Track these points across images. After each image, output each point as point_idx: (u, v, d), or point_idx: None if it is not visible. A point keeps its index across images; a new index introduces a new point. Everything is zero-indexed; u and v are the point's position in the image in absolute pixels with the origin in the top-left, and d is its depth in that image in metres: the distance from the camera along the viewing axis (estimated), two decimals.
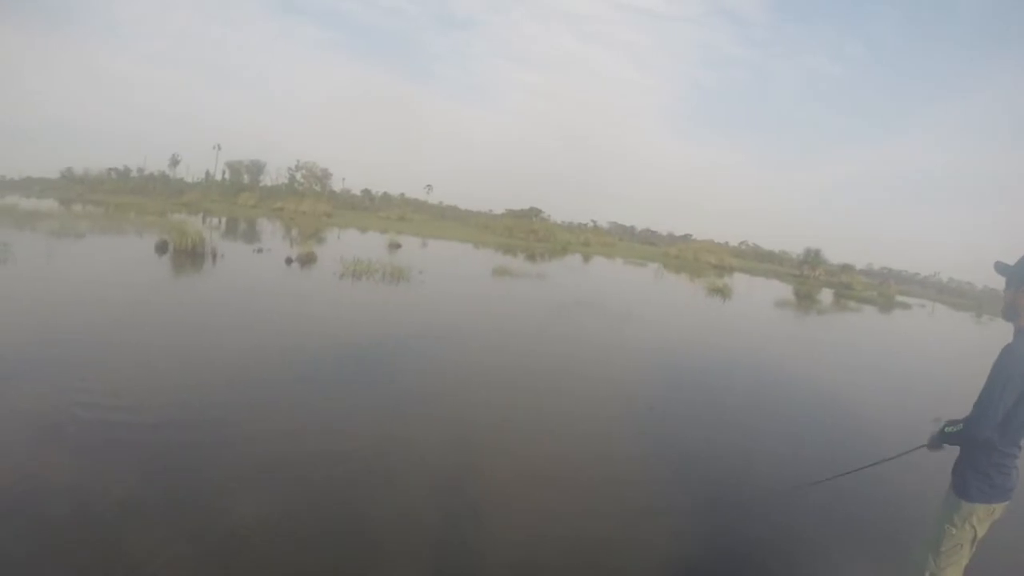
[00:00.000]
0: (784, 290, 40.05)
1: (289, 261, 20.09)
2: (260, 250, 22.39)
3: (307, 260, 20.64)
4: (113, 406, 6.09)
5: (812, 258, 61.29)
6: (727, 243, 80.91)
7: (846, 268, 63.12)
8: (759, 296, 33.09)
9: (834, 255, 73.84)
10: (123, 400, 6.29)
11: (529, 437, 6.70)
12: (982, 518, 3.03)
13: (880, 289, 58.26)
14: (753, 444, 7.36)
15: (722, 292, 27.95)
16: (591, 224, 78.81)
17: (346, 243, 28.62)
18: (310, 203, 41.45)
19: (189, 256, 19.24)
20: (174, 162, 56.88)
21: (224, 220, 34.54)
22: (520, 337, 12.71)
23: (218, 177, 56.87)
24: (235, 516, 4.31)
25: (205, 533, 4.06)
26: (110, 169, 53.33)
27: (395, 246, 29.26)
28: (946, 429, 3.09)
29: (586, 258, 43.88)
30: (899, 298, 54.94)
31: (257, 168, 58.53)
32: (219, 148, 57.91)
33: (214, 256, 19.49)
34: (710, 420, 8.28)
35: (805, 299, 34.63)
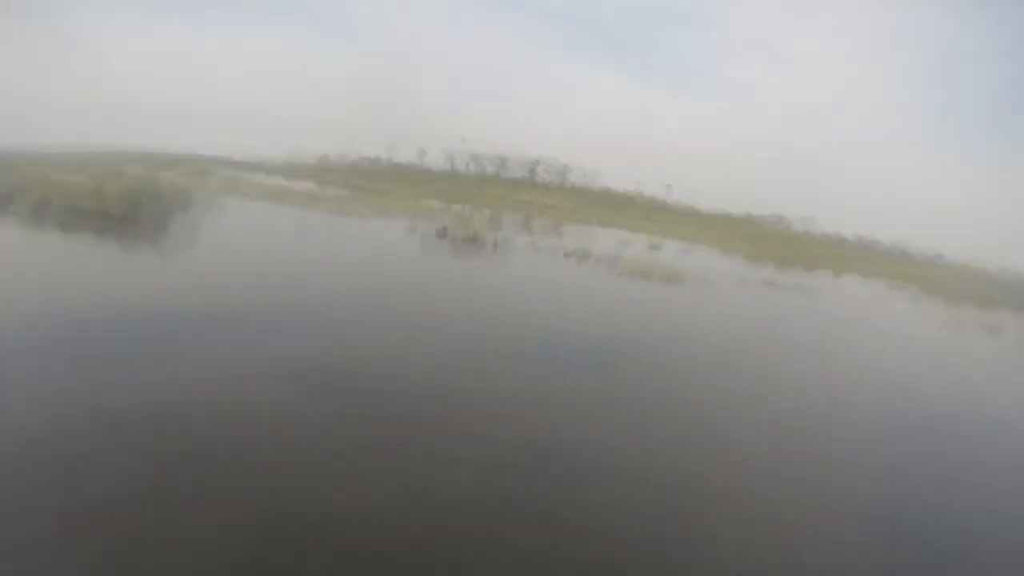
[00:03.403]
0: None
1: (567, 256, 18.38)
2: (535, 243, 21.08)
3: (582, 256, 18.75)
4: None
5: None
6: (985, 269, 64.14)
7: None
8: None
9: None
10: None
11: None
12: None
13: None
14: None
15: (994, 332, 20.62)
16: (834, 235, 68.44)
17: (603, 240, 26.56)
18: (557, 198, 40.75)
19: (471, 243, 18.41)
20: (421, 153, 60.93)
21: (471, 208, 34.91)
22: None
23: (462, 168, 59.62)
24: None
25: None
26: (362, 157, 58.82)
27: (655, 247, 26.45)
28: None
29: (837, 274, 36.95)
30: None
31: (500, 161, 60.43)
32: (465, 141, 60.81)
33: (495, 245, 18.50)
34: None
35: None
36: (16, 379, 5.36)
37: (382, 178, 51.58)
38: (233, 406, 5.18)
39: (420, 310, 9.73)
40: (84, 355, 6.08)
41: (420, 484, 4.24)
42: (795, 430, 6.62)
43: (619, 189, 63.54)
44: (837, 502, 4.99)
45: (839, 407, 7.86)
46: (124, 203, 18.06)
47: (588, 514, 4.18)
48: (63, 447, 4.32)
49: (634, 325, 10.66)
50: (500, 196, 43.77)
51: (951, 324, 21.22)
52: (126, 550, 3.34)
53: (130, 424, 4.74)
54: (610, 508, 4.30)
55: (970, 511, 5.22)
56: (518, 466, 4.69)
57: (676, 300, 14.15)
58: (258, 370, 6.04)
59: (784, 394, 7.98)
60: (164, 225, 16.48)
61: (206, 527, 3.56)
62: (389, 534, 3.66)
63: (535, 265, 16.44)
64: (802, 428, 6.74)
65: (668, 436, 5.76)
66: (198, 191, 24.04)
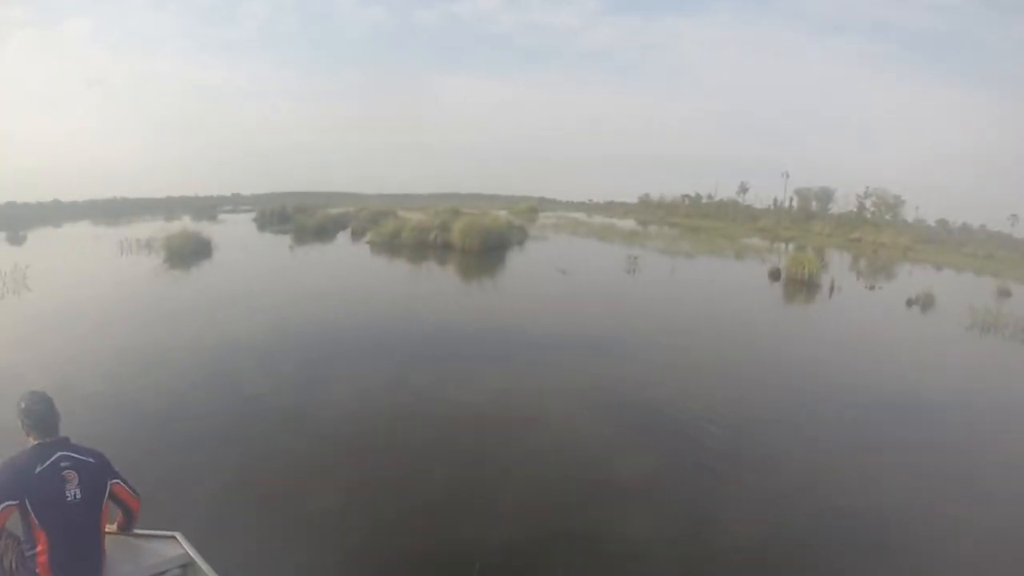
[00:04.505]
0: None
1: (910, 303, 18.82)
2: (872, 287, 21.68)
3: (926, 303, 18.88)
4: None
5: None
6: None
7: None
8: None
9: None
10: None
11: None
12: None
13: None
14: None
15: None
16: None
17: (945, 283, 24.84)
18: (889, 235, 38.41)
19: (805, 286, 19.93)
20: (743, 189, 62.22)
21: (796, 248, 35.24)
22: None
23: (786, 204, 59.26)
24: None
25: None
26: (684, 195, 62.64)
27: (1004, 293, 23.82)
28: None
29: None
30: None
31: (826, 195, 58.02)
32: (787, 176, 59.93)
33: (831, 289, 19.78)
34: None
35: None
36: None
37: (703, 215, 54.17)
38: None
39: (771, 355, 11.09)
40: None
41: None
42: None
43: (956, 221, 54.43)
44: None
45: None
46: (465, 237, 21.92)
47: None
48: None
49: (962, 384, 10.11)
50: (827, 233, 42.61)
51: None
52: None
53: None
54: None
55: None
56: None
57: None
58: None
59: None
60: (502, 257, 20.98)
61: None
62: None
63: (876, 312, 17.28)
64: None
65: None
66: (530, 228, 29.11)
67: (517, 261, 21.38)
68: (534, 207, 50.73)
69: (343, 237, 26.74)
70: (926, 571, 4.65)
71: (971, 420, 8.34)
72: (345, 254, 22.85)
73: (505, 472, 5.66)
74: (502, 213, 32.64)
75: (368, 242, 23.76)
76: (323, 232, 27.21)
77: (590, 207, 66.67)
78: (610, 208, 64.39)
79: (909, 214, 54.64)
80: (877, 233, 39.96)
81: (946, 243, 42.78)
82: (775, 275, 21.32)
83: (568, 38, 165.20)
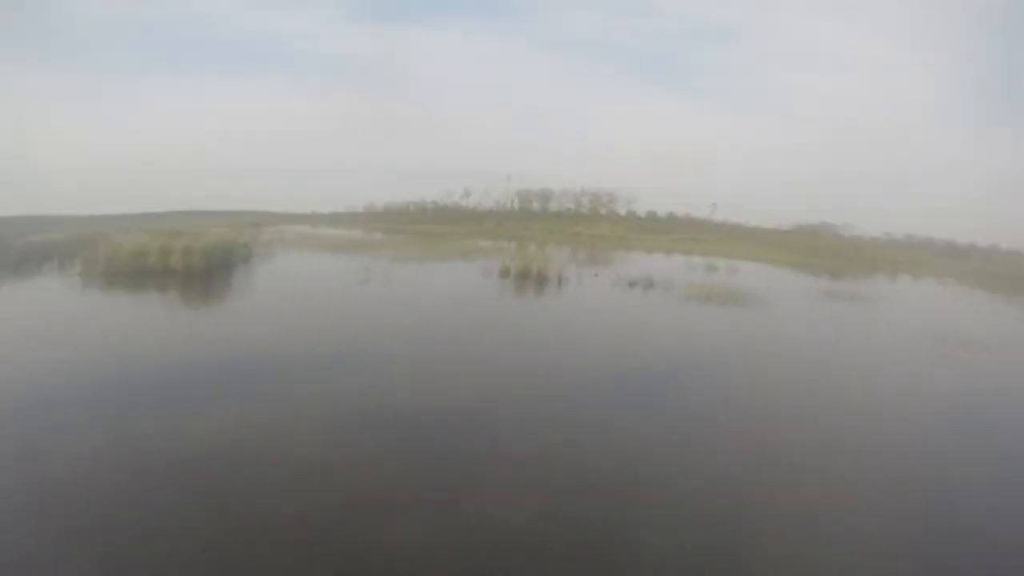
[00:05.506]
0: None
1: (632, 285, 18.77)
2: (596, 274, 21.57)
3: (647, 284, 19.09)
4: None
5: None
6: None
7: None
8: None
9: None
10: None
11: None
12: None
13: None
14: None
15: None
16: (885, 236, 66.52)
17: (659, 266, 26.86)
18: (605, 227, 41.38)
19: (534, 280, 18.98)
20: (466, 194, 62.88)
21: (521, 245, 35.65)
22: None
23: (509, 206, 61.32)
24: None
25: None
26: (409, 202, 60.97)
27: (711, 268, 26.57)
28: None
29: (893, 277, 35.92)
30: None
31: (545, 196, 61.96)
32: (510, 179, 62.45)
33: (559, 280, 19.06)
34: None
35: None
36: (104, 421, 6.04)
37: (429, 222, 53.10)
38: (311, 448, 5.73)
39: (506, 345, 10.28)
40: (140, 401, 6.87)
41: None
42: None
43: (663, 213, 63.99)
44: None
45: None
46: (187, 260, 19.16)
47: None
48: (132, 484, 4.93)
49: (723, 348, 10.97)
50: (549, 230, 44.57)
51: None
52: None
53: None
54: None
55: None
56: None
57: (750, 320, 14.41)
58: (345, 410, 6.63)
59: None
60: (227, 278, 17.58)
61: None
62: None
63: (604, 297, 16.91)
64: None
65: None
66: (254, 245, 25.34)
67: (245, 281, 17.87)
68: (258, 222, 44.64)
69: (51, 268, 19.91)
70: None
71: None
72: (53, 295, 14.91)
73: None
74: (225, 231, 27.16)
75: (79, 274, 18.48)
76: (23, 265, 20.00)
77: (316, 219, 62.76)
78: (336, 219, 61.51)
79: (622, 208, 61.87)
80: (594, 226, 43.17)
81: (656, 231, 48.55)
82: (505, 273, 20.32)
83: (302, 44, 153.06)
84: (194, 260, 18.99)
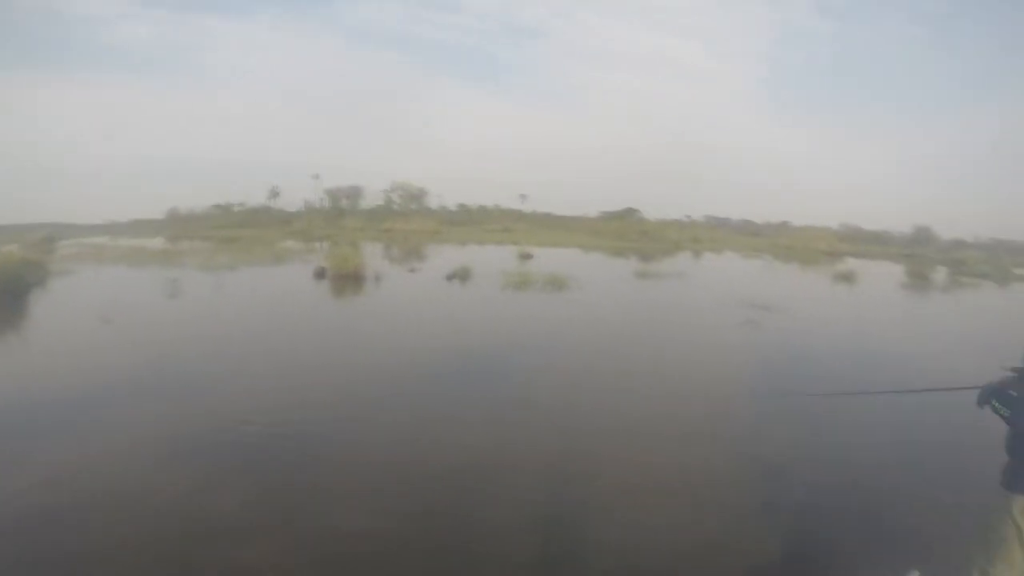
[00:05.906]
0: (899, 271, 34.90)
1: (450, 278, 19.20)
2: (413, 270, 21.64)
3: (464, 276, 19.67)
4: None
5: (923, 236, 57.87)
6: (828, 227, 75.44)
7: (958, 243, 58.70)
8: (884, 280, 29.27)
9: (943, 230, 67.32)
10: None
11: None
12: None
13: (995, 263, 52.17)
14: None
15: (847, 279, 25.33)
16: (686, 219, 75.96)
17: (474, 257, 27.73)
18: (418, 222, 41.37)
19: (351, 280, 18.59)
20: (273, 194, 58.79)
21: (332, 245, 34.56)
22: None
23: (318, 205, 58.54)
24: None
25: None
26: (214, 206, 55.48)
27: (526, 256, 28.11)
28: (995, 404, 2.86)
29: (697, 255, 41.40)
30: (1016, 270, 47.92)
31: (355, 193, 60.05)
32: (318, 177, 59.27)
33: (376, 278, 18.85)
34: None
35: (920, 278, 29.74)
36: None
37: (236, 226, 49.01)
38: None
39: (329, 351, 10.03)
40: None
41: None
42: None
43: (475, 205, 66.05)
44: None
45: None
46: None
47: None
48: None
49: (541, 333, 11.60)
50: (360, 228, 43.63)
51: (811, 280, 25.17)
52: None
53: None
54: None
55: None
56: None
57: (567, 303, 15.51)
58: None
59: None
60: (21, 305, 14.78)
61: None
62: None
63: (422, 292, 17.15)
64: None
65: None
66: (50, 263, 21.67)
67: (45, 308, 14.66)
68: (52, 236, 37.46)
69: None
70: None
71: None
72: None
73: None
74: (12, 249, 21.97)
75: None
76: None
77: (115, 228, 55.93)
78: (137, 228, 55.63)
79: (433, 202, 62.62)
80: (406, 222, 43.28)
81: (468, 223, 49.80)
82: (320, 274, 19.67)
83: (90, 30, 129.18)
84: None
